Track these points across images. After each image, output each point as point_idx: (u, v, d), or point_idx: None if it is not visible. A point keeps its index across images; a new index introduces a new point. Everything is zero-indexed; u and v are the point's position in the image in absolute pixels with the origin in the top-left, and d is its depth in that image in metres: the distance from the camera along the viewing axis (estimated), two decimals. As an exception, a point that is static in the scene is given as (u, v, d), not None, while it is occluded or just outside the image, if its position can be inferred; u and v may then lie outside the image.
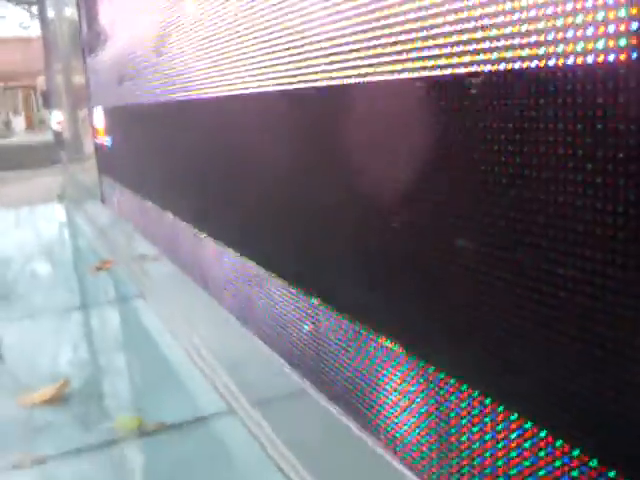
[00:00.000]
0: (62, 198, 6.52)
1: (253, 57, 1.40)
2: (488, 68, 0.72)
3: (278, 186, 1.37)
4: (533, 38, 0.65)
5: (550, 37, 0.63)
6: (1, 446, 1.73)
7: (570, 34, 0.61)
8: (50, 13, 6.93)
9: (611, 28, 0.57)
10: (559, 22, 0.62)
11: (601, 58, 0.58)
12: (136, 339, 2.52)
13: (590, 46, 0.59)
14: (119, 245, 3.76)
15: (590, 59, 0.59)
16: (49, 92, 9.17)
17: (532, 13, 0.65)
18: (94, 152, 4.28)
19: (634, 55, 0.55)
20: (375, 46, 0.94)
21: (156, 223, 2.68)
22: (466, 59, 0.75)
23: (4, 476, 1.60)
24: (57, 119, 8.29)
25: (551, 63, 0.64)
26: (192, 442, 1.66)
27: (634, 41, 0.55)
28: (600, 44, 0.58)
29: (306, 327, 1.29)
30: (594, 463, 0.65)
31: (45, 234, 4.97)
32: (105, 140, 3.81)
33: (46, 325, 2.72)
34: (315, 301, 1.23)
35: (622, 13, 0.55)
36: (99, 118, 3.93)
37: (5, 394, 2.03)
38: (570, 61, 0.62)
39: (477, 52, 0.73)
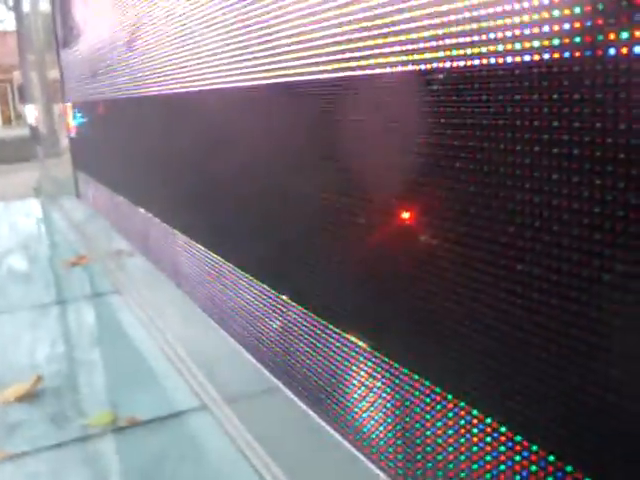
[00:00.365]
0: (38, 193, 6.47)
1: (217, 53, 1.39)
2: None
3: (244, 182, 1.37)
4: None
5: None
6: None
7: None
8: (26, 6, 6.85)
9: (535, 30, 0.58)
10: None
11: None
12: (111, 335, 2.50)
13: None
14: (94, 240, 3.73)
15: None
16: (24, 86, 9.07)
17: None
18: (69, 147, 4.25)
19: (566, 54, 0.56)
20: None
21: (130, 219, 2.67)
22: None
23: (-25, 474, 1.59)
24: (32, 114, 8.20)
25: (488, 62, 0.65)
26: (165, 438, 1.66)
27: (566, 40, 0.56)
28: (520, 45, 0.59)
29: (276, 325, 1.29)
30: (551, 458, 0.66)
31: (21, 230, 4.92)
32: (79, 135, 3.78)
33: (20, 321, 2.70)
34: (285, 299, 1.24)
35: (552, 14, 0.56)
36: (73, 113, 3.90)
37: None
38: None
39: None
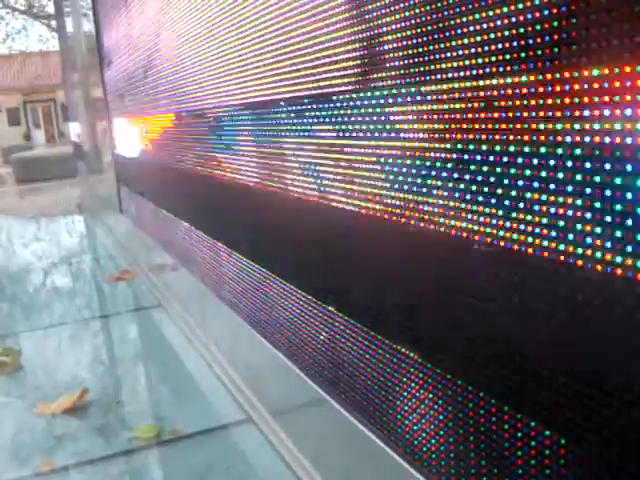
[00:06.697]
0: (82, 209, 6.58)
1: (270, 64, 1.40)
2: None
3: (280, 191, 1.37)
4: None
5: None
6: (21, 455, 1.73)
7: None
8: (69, 27, 7.00)
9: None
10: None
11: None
12: (155, 348, 2.52)
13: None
14: (138, 255, 3.77)
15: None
16: (68, 105, 9.27)
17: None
18: (112, 163, 4.31)
19: None
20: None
21: (174, 233, 2.69)
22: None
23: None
24: (76, 131, 8.37)
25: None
26: (210, 451, 1.66)
27: None
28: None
29: (322, 336, 1.28)
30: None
31: (65, 245, 5.01)
32: (124, 151, 3.83)
33: (66, 334, 2.74)
34: (332, 309, 1.23)
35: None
36: (117, 130, 3.96)
37: (25, 403, 2.05)
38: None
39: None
